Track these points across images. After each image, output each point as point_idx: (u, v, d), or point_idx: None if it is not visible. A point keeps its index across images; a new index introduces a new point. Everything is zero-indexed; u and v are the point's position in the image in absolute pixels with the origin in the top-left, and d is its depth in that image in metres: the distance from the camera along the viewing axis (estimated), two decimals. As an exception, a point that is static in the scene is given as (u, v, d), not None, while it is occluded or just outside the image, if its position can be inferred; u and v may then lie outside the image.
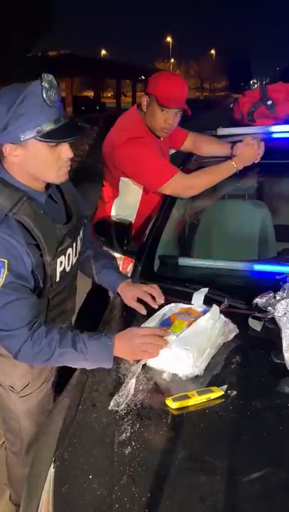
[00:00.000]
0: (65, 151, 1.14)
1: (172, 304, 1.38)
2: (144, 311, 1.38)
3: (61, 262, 1.24)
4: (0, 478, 1.85)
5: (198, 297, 1.38)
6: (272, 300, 1.27)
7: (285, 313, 1.19)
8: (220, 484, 0.85)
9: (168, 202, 1.94)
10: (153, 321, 1.30)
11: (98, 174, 2.24)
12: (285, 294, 1.25)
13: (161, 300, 1.40)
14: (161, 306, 1.38)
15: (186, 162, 2.15)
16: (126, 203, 2.01)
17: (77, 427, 1.03)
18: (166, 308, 1.37)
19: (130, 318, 1.40)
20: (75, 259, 1.34)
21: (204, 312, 1.28)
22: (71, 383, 1.25)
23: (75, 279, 1.46)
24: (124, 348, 1.17)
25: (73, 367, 1.22)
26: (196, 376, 1.12)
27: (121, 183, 1.96)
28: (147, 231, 1.86)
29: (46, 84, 1.06)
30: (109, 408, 1.05)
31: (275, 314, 1.21)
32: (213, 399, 1.04)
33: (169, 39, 75.19)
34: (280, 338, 1.15)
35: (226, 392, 1.06)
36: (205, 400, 1.04)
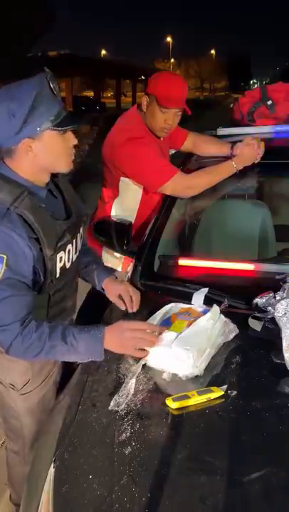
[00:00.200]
0: (72, 138, 1.20)
1: (172, 304, 1.38)
2: (123, 307, 1.41)
3: (61, 258, 1.25)
4: (0, 478, 1.85)
5: (198, 297, 1.39)
6: (272, 300, 1.27)
7: (285, 313, 1.19)
8: (220, 484, 0.85)
9: (168, 202, 1.94)
10: (153, 321, 1.30)
11: (98, 174, 2.24)
12: (285, 294, 1.25)
13: (134, 308, 1.40)
14: (161, 306, 1.38)
15: (186, 162, 2.15)
16: (126, 203, 2.01)
17: (77, 427, 1.03)
18: (167, 308, 1.37)
19: (130, 319, 1.40)
20: (75, 256, 1.35)
21: (204, 312, 1.28)
22: (71, 383, 1.25)
23: (76, 276, 1.46)
24: (113, 341, 1.18)
25: (65, 360, 1.23)
26: (196, 376, 1.12)
27: (121, 183, 1.96)
28: (147, 231, 1.86)
29: (50, 77, 1.12)
30: (110, 408, 1.05)
31: (275, 314, 1.21)
32: (213, 399, 1.04)
33: (169, 39, 75.20)
34: (280, 338, 1.15)
35: (226, 392, 1.06)
36: (205, 400, 1.04)
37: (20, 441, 1.48)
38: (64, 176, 1.37)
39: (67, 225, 1.27)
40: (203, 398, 1.04)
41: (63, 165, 1.23)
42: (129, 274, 1.71)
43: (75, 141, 1.22)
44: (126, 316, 1.43)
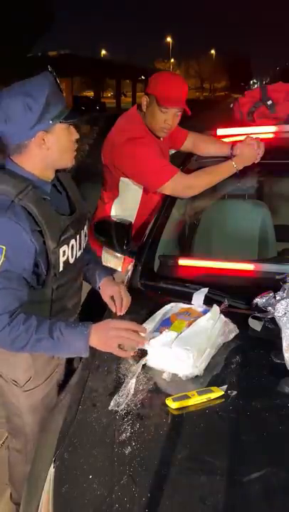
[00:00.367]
0: (74, 132, 1.27)
1: (172, 304, 1.38)
2: (113, 309, 1.41)
3: (64, 252, 1.26)
4: (0, 478, 1.85)
5: (198, 297, 1.39)
6: (272, 300, 1.27)
7: (285, 313, 1.19)
8: (220, 484, 0.85)
9: (168, 202, 1.94)
10: (153, 321, 1.30)
11: (98, 174, 2.24)
12: (285, 294, 1.25)
13: (122, 311, 1.41)
14: (161, 306, 1.38)
15: (186, 162, 2.15)
16: (126, 203, 2.01)
17: (77, 427, 1.04)
18: (166, 308, 1.37)
19: (129, 319, 1.40)
20: (79, 253, 1.37)
21: (204, 312, 1.28)
22: (71, 383, 1.25)
23: (80, 274, 1.47)
24: (98, 339, 1.18)
25: (50, 354, 1.24)
26: (196, 376, 1.12)
27: (121, 183, 1.96)
28: (147, 231, 1.86)
29: (55, 75, 1.20)
30: (110, 408, 1.05)
31: (275, 314, 1.21)
32: (213, 399, 1.04)
33: (169, 39, 75.22)
34: (280, 338, 1.15)
35: (226, 392, 1.06)
36: (205, 400, 1.04)
37: (23, 439, 1.48)
38: (66, 173, 1.41)
39: (70, 220, 1.29)
40: (203, 398, 1.04)
41: (69, 159, 1.28)
42: (129, 274, 1.71)
43: (77, 136, 1.28)
44: (125, 316, 1.43)
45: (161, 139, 1.96)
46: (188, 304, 1.38)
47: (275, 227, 2.13)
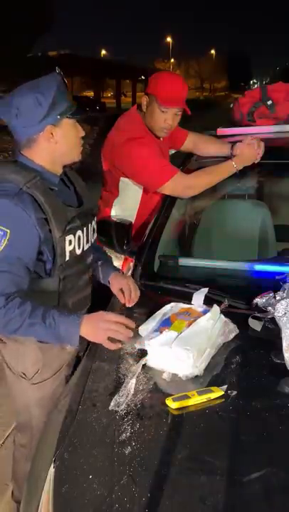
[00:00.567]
0: (81, 129, 1.34)
1: (172, 304, 1.38)
2: (122, 301, 1.43)
3: (70, 241, 1.30)
4: (0, 479, 1.85)
5: (198, 297, 1.38)
6: (272, 300, 1.27)
7: (285, 313, 1.19)
8: (220, 484, 0.85)
9: (168, 202, 1.94)
10: (153, 321, 1.30)
11: (98, 174, 2.24)
12: (285, 294, 1.25)
13: (130, 303, 1.43)
14: (161, 306, 1.38)
15: (186, 162, 2.15)
16: (126, 203, 2.01)
17: (77, 427, 1.03)
18: (166, 308, 1.37)
19: (129, 317, 1.40)
20: (86, 246, 1.40)
21: (204, 312, 1.28)
22: (71, 383, 1.25)
23: (89, 269, 1.49)
24: (88, 329, 1.20)
25: (42, 340, 1.27)
26: (196, 376, 1.12)
27: (121, 183, 1.96)
28: (147, 231, 1.86)
29: (62, 75, 1.28)
30: (110, 408, 1.05)
31: (275, 314, 1.21)
32: (213, 399, 1.04)
33: (169, 39, 75.15)
34: (280, 338, 1.15)
35: (226, 392, 1.06)
36: (205, 400, 1.04)
37: (29, 434, 1.49)
38: (73, 170, 1.48)
39: (77, 212, 1.34)
40: (203, 398, 1.04)
41: (76, 154, 1.35)
42: (129, 273, 1.71)
43: (83, 133, 1.35)
44: (125, 310, 1.43)
45: (161, 139, 1.96)
46: (188, 304, 1.38)
47: (275, 227, 2.13)
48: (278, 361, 1.15)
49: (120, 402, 1.05)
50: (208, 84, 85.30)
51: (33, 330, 1.18)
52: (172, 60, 79.57)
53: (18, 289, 1.20)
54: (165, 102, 1.79)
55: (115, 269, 1.57)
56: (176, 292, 1.50)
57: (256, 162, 1.84)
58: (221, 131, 2.23)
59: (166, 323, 1.26)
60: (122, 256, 1.93)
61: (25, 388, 1.42)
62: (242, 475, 0.86)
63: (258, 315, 1.29)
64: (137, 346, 1.24)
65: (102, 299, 1.55)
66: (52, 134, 1.26)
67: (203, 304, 1.37)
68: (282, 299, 1.23)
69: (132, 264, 1.77)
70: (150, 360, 1.17)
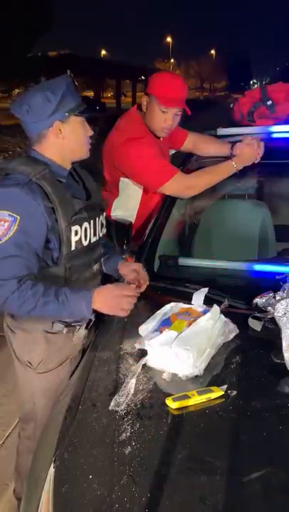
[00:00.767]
0: (89, 129, 1.40)
1: (172, 304, 1.38)
2: (135, 282, 1.46)
3: (76, 232, 1.34)
4: (0, 479, 1.85)
5: (198, 297, 1.38)
6: (272, 300, 1.27)
7: (285, 313, 1.19)
8: (220, 484, 0.85)
9: (168, 202, 1.94)
10: (153, 321, 1.30)
11: (98, 174, 2.25)
12: (285, 294, 1.25)
13: (141, 287, 1.46)
14: (161, 306, 1.38)
15: (186, 162, 2.15)
16: (126, 203, 2.01)
17: (77, 427, 1.04)
18: (167, 308, 1.37)
19: (130, 319, 1.40)
20: (94, 239, 1.44)
21: (204, 312, 1.28)
22: (71, 383, 1.25)
23: (97, 262, 1.51)
24: (101, 301, 1.29)
25: (56, 318, 1.36)
26: (196, 376, 1.12)
27: (121, 184, 1.96)
28: (147, 231, 1.86)
29: (72, 77, 1.36)
30: (110, 408, 1.05)
31: (275, 314, 1.21)
32: (213, 399, 1.04)
33: (169, 39, 75.13)
34: (280, 338, 1.16)
35: (225, 392, 1.06)
36: (205, 400, 1.04)
37: (32, 425, 1.52)
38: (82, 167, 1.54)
39: (84, 204, 1.39)
40: (203, 398, 1.04)
41: (84, 151, 1.42)
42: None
43: (91, 132, 1.41)
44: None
45: (161, 139, 1.96)
46: (188, 303, 1.38)
47: (275, 227, 2.13)
48: (278, 361, 1.15)
49: (120, 402, 1.05)
50: (208, 84, 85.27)
51: (47, 308, 1.25)
52: (172, 60, 79.52)
53: (29, 273, 1.27)
54: (165, 102, 1.79)
55: (122, 258, 1.62)
56: (176, 292, 1.50)
57: (256, 162, 1.84)
58: (221, 131, 2.23)
59: (166, 323, 1.26)
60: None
61: (31, 377, 1.46)
62: (242, 475, 0.86)
63: (258, 315, 1.29)
64: (137, 346, 1.24)
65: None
66: (60, 129, 1.32)
67: (203, 303, 1.37)
68: (282, 299, 1.23)
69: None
70: (150, 360, 1.17)
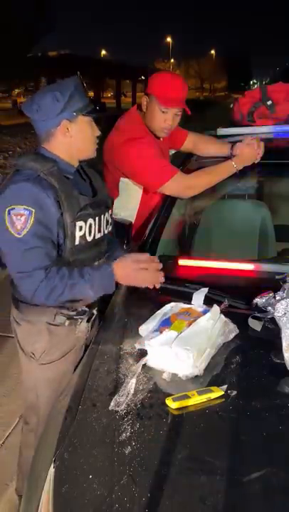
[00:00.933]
0: (96, 129, 1.44)
1: (172, 304, 1.38)
2: (147, 256, 1.47)
3: (81, 227, 1.38)
4: (0, 479, 1.85)
5: (198, 297, 1.38)
6: (272, 300, 1.27)
7: (285, 313, 1.19)
8: (220, 484, 0.85)
9: (168, 202, 1.94)
10: (153, 321, 1.30)
11: (100, 173, 2.25)
12: (285, 294, 1.25)
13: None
14: (161, 306, 1.38)
15: (186, 162, 2.15)
16: (126, 203, 2.01)
17: (77, 427, 1.03)
18: (167, 308, 1.37)
19: (130, 319, 1.40)
20: (98, 235, 1.46)
21: (204, 312, 1.28)
22: (71, 383, 1.25)
23: (101, 259, 1.52)
24: (121, 273, 1.37)
25: (82, 298, 1.39)
26: (196, 376, 1.12)
27: (121, 184, 1.96)
28: (147, 231, 1.86)
29: (81, 78, 1.40)
30: (110, 408, 1.05)
31: (275, 314, 1.21)
32: (213, 399, 1.04)
33: (169, 39, 75.13)
34: (280, 338, 1.15)
35: (225, 392, 1.06)
36: (205, 400, 1.04)
37: (35, 417, 1.54)
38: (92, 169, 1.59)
39: (90, 201, 1.42)
40: (203, 398, 1.04)
41: (91, 150, 1.46)
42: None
43: (99, 132, 1.45)
44: (126, 315, 1.43)
45: (161, 139, 1.96)
46: (188, 303, 1.38)
47: (275, 227, 2.13)
48: (278, 361, 1.15)
49: (120, 402, 1.05)
50: (208, 84, 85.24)
51: (75, 290, 1.31)
52: (172, 60, 79.51)
53: (51, 261, 1.32)
54: (165, 102, 1.79)
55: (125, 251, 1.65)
56: (176, 292, 1.50)
57: (256, 162, 1.84)
58: (221, 131, 2.23)
59: (166, 323, 1.26)
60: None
61: (34, 368, 1.49)
62: (242, 475, 0.86)
63: (258, 315, 1.29)
64: (137, 346, 1.24)
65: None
66: (68, 128, 1.37)
67: (203, 303, 1.37)
68: (282, 298, 1.23)
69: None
70: (150, 360, 1.17)
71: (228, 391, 1.06)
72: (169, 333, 1.19)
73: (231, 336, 1.25)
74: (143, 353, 1.20)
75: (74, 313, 1.47)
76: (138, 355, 1.21)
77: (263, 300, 1.29)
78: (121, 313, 1.46)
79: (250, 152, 1.82)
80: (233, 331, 1.26)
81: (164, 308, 1.37)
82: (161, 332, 1.21)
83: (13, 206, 1.27)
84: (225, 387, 1.07)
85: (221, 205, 2.31)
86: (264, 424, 0.98)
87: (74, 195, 1.36)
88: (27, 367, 1.53)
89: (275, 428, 0.97)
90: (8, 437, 2.06)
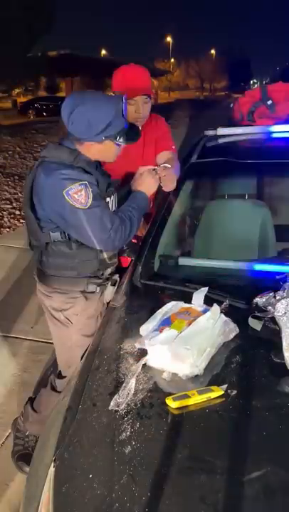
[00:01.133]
0: (119, 151, 1.55)
1: (172, 303, 1.38)
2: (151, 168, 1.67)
3: (107, 202, 1.54)
4: (0, 479, 1.85)
5: (199, 297, 1.38)
6: (272, 299, 1.27)
7: (285, 313, 1.19)
8: (220, 483, 0.85)
9: (168, 202, 1.94)
10: (153, 320, 1.30)
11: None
12: (285, 294, 1.25)
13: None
14: (161, 306, 1.38)
15: (186, 162, 2.15)
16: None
17: (77, 427, 1.04)
18: (167, 307, 1.37)
19: (130, 319, 1.40)
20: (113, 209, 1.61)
21: (204, 311, 1.28)
22: (71, 383, 1.25)
23: None
24: (145, 188, 1.61)
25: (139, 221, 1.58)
26: (196, 375, 1.12)
27: None
28: (147, 231, 1.86)
29: (125, 101, 1.46)
30: (110, 408, 1.05)
31: (275, 314, 1.21)
32: (213, 398, 1.04)
33: (169, 39, 75.06)
34: (280, 338, 1.15)
35: (226, 391, 1.06)
36: (205, 400, 1.04)
37: (71, 369, 1.61)
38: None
39: (109, 181, 1.60)
40: (203, 397, 1.04)
41: (109, 161, 1.58)
42: (129, 274, 1.71)
43: (119, 152, 1.56)
44: (125, 320, 1.43)
45: (140, 128, 1.90)
46: (188, 303, 1.38)
47: (275, 227, 2.13)
48: (278, 360, 1.15)
49: (120, 401, 1.05)
50: (208, 84, 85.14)
51: (137, 220, 1.55)
52: (172, 60, 79.46)
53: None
54: (130, 93, 1.80)
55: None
56: (176, 292, 1.50)
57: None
58: (221, 131, 2.23)
59: (167, 323, 1.26)
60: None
61: (70, 333, 1.63)
62: (242, 474, 0.86)
63: (258, 314, 1.29)
64: (137, 346, 1.24)
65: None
66: (90, 147, 1.48)
67: (204, 303, 1.37)
68: (282, 298, 1.23)
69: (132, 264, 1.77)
70: (150, 360, 1.17)
71: (228, 390, 1.06)
72: (169, 333, 1.19)
73: (231, 336, 1.25)
74: (143, 353, 1.20)
75: (101, 280, 1.61)
76: (138, 355, 1.21)
77: (263, 300, 1.29)
78: (121, 313, 1.46)
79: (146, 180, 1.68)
80: (233, 330, 1.26)
81: (164, 307, 1.37)
82: (161, 331, 1.21)
83: (68, 188, 1.38)
84: (225, 386, 1.07)
85: (221, 205, 2.31)
86: (264, 424, 0.98)
87: (102, 175, 1.53)
88: (62, 333, 1.65)
89: (275, 427, 0.97)
90: (8, 437, 2.05)
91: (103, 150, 1.49)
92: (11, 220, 5.35)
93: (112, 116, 1.42)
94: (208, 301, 1.35)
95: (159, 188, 1.75)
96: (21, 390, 2.36)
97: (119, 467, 0.91)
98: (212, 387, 1.07)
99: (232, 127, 2.25)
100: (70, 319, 1.62)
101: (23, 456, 1.84)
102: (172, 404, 1.03)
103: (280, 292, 1.27)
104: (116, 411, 1.04)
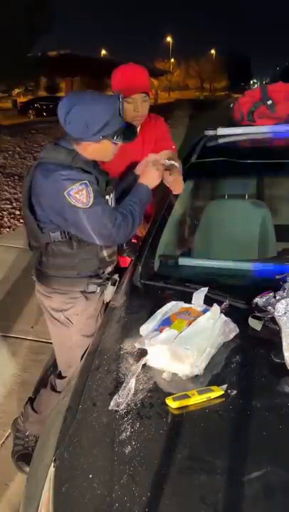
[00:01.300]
0: (116, 149, 1.54)
1: (172, 303, 1.38)
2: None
3: (107, 200, 1.55)
4: (0, 479, 1.85)
5: (199, 297, 1.38)
6: (272, 299, 1.27)
7: (285, 313, 1.19)
8: (220, 483, 0.85)
9: (168, 202, 1.94)
10: (153, 320, 1.30)
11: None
12: (285, 294, 1.25)
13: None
14: (161, 306, 1.38)
15: (186, 162, 2.15)
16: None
17: (77, 427, 1.04)
18: (167, 307, 1.37)
19: (130, 319, 1.40)
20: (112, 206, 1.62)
21: (204, 311, 1.28)
22: (71, 383, 1.25)
23: None
24: (147, 180, 1.60)
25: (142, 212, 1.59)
26: (196, 375, 1.12)
27: None
28: (147, 231, 1.86)
29: (121, 100, 1.45)
30: (110, 408, 1.05)
31: (275, 314, 1.21)
32: (213, 398, 1.04)
33: (169, 39, 75.03)
34: (280, 338, 1.15)
35: (226, 391, 1.06)
36: (205, 400, 1.04)
37: (71, 369, 1.61)
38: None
39: (108, 179, 1.59)
40: (203, 398, 1.04)
41: (106, 160, 1.58)
42: (129, 274, 1.71)
43: (116, 151, 1.55)
44: (125, 320, 1.43)
45: (138, 127, 1.90)
46: (188, 303, 1.38)
47: (275, 227, 2.13)
48: (278, 360, 1.15)
49: (120, 401, 1.05)
50: (208, 84, 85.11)
51: (139, 214, 1.55)
52: (172, 60, 79.42)
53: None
54: (128, 92, 1.80)
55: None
56: (176, 292, 1.50)
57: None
58: (221, 131, 2.23)
59: (167, 323, 1.26)
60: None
61: (71, 333, 1.64)
62: (242, 474, 0.86)
63: (258, 314, 1.29)
64: (137, 346, 1.24)
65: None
66: (87, 146, 1.47)
67: (203, 303, 1.36)
68: (282, 298, 1.23)
69: (132, 264, 1.77)
70: (150, 360, 1.17)
71: (228, 390, 1.06)
72: (169, 333, 1.19)
73: (231, 336, 1.25)
74: (143, 353, 1.20)
75: (101, 280, 1.62)
76: (138, 355, 1.21)
77: (263, 300, 1.29)
78: (121, 313, 1.46)
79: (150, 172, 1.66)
80: (233, 330, 1.26)
81: (164, 307, 1.36)
82: (161, 331, 1.20)
83: (68, 188, 1.39)
84: (225, 386, 1.07)
85: (221, 205, 2.31)
86: (264, 424, 0.98)
87: (101, 174, 1.53)
88: (62, 333, 1.66)
89: (275, 427, 0.97)
90: (8, 437, 2.05)
91: (101, 149, 1.49)
92: (11, 220, 5.36)
93: (109, 115, 1.42)
94: (208, 301, 1.35)
95: (166, 188, 1.76)
96: (21, 390, 2.36)
97: (119, 467, 0.91)
98: (212, 387, 1.07)
99: (232, 127, 2.25)
100: (70, 319, 1.63)
101: (23, 456, 1.84)
102: (172, 404, 1.03)
103: (280, 292, 1.27)
104: (116, 411, 1.04)
